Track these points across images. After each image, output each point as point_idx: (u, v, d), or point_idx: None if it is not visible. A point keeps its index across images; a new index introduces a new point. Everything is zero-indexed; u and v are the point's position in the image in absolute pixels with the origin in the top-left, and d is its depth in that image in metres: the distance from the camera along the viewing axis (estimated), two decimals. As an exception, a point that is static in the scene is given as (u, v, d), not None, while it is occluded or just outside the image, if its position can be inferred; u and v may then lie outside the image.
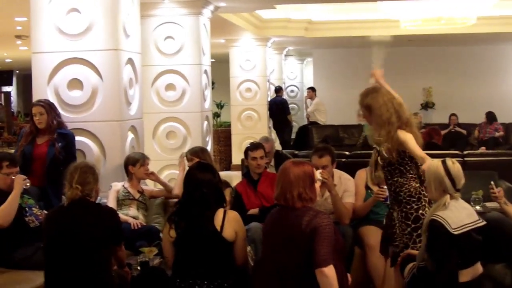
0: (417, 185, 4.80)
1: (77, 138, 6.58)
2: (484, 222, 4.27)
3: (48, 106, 6.42)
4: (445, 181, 4.24)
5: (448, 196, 4.21)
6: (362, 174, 6.24)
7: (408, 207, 4.81)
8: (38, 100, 6.50)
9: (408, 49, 19.05)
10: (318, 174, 4.35)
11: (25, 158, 6.29)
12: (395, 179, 4.87)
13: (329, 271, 3.93)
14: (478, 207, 6.35)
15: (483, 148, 13.17)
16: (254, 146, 6.57)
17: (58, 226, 4.45)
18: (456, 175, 4.26)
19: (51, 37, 6.63)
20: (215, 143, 15.03)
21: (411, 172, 4.82)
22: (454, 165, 4.29)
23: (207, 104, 9.89)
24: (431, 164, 4.38)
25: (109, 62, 6.64)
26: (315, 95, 17.36)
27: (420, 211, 4.77)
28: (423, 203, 4.78)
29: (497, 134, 14.85)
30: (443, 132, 14.31)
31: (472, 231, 4.18)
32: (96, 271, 4.36)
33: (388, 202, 5.75)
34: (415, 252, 4.56)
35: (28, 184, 5.49)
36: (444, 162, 4.29)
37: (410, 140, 4.73)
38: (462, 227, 4.12)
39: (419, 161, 4.70)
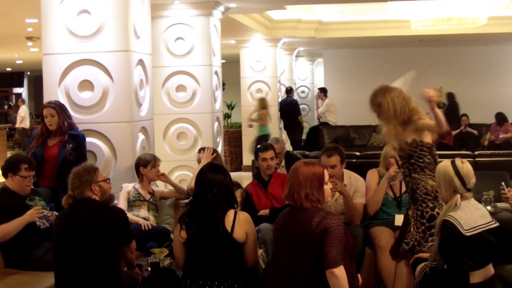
0: (434, 183, 4.79)
1: (87, 139, 6.59)
2: (497, 224, 4.25)
3: (59, 108, 6.43)
4: (454, 181, 4.23)
5: (458, 196, 4.20)
6: (374, 173, 6.26)
7: (424, 205, 4.84)
8: (49, 101, 6.51)
9: (419, 49, 19.01)
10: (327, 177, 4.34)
11: (36, 159, 6.27)
12: (413, 175, 4.91)
13: (340, 272, 3.91)
14: (489, 208, 6.32)
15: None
16: (264, 147, 6.57)
17: (65, 226, 4.46)
18: (466, 174, 4.25)
19: (61, 39, 6.65)
20: (225, 144, 15.04)
21: (429, 168, 4.84)
22: (464, 165, 4.27)
23: (218, 105, 9.88)
24: (441, 164, 4.38)
25: (120, 63, 6.65)
26: (325, 95, 17.32)
27: (436, 210, 4.80)
28: (440, 202, 4.79)
29: (503, 135, 14.62)
30: (454, 132, 14.29)
31: (485, 232, 4.16)
32: (105, 271, 4.35)
33: (403, 179, 5.77)
34: (426, 255, 4.55)
35: (37, 219, 5.43)
36: (453, 162, 4.28)
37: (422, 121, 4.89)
38: (474, 229, 4.10)
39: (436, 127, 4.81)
